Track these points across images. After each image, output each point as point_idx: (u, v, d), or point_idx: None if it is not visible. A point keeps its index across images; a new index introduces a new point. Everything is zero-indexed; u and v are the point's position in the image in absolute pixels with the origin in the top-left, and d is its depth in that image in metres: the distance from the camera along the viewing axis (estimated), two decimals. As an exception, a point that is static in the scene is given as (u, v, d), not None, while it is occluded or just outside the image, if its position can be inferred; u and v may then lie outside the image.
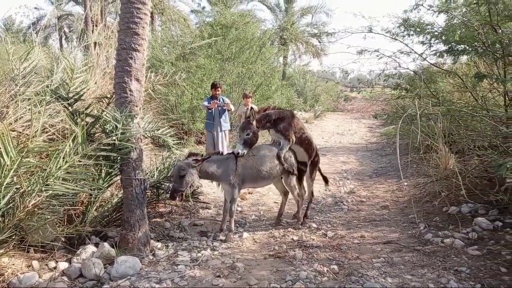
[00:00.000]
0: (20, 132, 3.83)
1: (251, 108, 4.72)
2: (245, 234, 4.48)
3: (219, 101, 6.93)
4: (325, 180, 5.41)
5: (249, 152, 4.47)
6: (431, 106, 4.97)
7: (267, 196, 6.21)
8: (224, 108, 6.98)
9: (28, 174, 3.35)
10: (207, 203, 5.64)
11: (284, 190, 4.97)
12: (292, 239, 4.38)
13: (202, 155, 4.26)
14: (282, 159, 4.51)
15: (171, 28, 16.15)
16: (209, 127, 7.06)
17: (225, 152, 6.53)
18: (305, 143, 4.76)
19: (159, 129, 4.42)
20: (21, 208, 3.03)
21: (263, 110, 4.67)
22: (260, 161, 4.46)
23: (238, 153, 4.36)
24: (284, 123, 4.59)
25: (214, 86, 6.99)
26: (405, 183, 6.52)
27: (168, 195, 4.81)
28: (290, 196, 4.97)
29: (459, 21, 4.84)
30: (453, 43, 4.90)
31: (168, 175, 4.79)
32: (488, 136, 4.74)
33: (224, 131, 7.08)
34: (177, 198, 4.14)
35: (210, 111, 6.94)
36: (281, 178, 4.73)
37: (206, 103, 6.96)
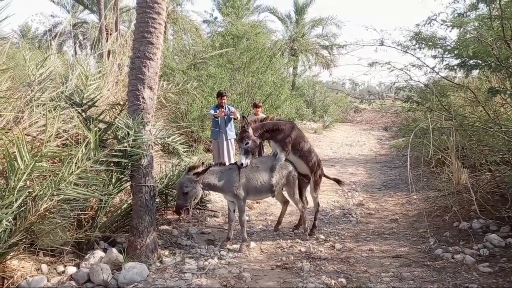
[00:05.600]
0: (35, 137, 3.89)
1: (243, 116, 4.57)
2: (252, 244, 4.46)
3: (225, 109, 6.97)
4: (337, 181, 5.32)
5: (252, 164, 4.43)
6: (443, 120, 4.93)
7: (275, 206, 6.18)
8: (231, 117, 7.01)
9: (41, 178, 3.40)
10: (214, 211, 5.64)
11: (284, 200, 4.97)
12: (300, 250, 4.35)
13: (203, 163, 4.23)
14: (275, 173, 4.43)
15: (183, 38, 16.40)
16: (215, 135, 7.08)
17: (232, 161, 6.53)
18: (305, 155, 4.68)
19: (170, 137, 4.47)
20: (33, 212, 3.08)
21: (259, 120, 4.62)
22: (264, 174, 4.42)
23: (242, 164, 4.31)
24: (283, 134, 4.52)
25: (220, 95, 7.01)
26: (415, 197, 6.45)
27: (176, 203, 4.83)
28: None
29: (472, 36, 4.82)
30: (466, 58, 4.88)
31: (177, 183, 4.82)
32: (501, 151, 4.68)
33: (229, 140, 7.08)
34: (183, 213, 4.18)
35: (216, 119, 6.97)
36: (283, 190, 4.70)
37: (212, 112, 6.99)
